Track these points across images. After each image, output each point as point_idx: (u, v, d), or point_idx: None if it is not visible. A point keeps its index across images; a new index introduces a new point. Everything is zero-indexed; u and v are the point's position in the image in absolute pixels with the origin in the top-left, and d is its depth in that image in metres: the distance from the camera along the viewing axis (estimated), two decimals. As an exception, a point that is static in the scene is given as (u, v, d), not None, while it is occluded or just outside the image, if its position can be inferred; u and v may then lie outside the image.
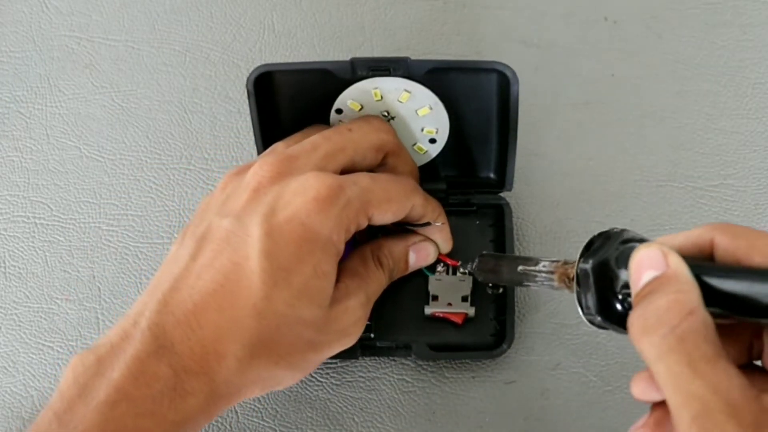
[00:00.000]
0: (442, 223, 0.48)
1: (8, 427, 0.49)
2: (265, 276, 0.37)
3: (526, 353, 0.49)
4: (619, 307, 0.34)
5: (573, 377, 0.49)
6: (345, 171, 0.43)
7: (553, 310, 0.50)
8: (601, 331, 0.49)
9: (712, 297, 0.31)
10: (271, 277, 0.38)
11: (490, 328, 0.49)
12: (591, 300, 0.35)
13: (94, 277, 0.53)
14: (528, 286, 0.42)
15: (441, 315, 0.48)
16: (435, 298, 0.49)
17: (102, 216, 0.54)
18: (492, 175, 0.51)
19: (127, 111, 0.57)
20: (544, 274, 0.40)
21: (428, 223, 0.47)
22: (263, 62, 0.46)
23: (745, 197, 0.53)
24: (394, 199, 0.43)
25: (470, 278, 0.49)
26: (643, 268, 0.32)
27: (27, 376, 0.50)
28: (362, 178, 0.42)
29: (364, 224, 0.42)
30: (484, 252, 0.47)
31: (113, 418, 0.35)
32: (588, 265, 0.35)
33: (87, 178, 0.55)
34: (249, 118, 0.48)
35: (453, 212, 0.51)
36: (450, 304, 0.48)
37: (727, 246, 0.32)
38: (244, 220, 0.39)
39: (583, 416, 0.48)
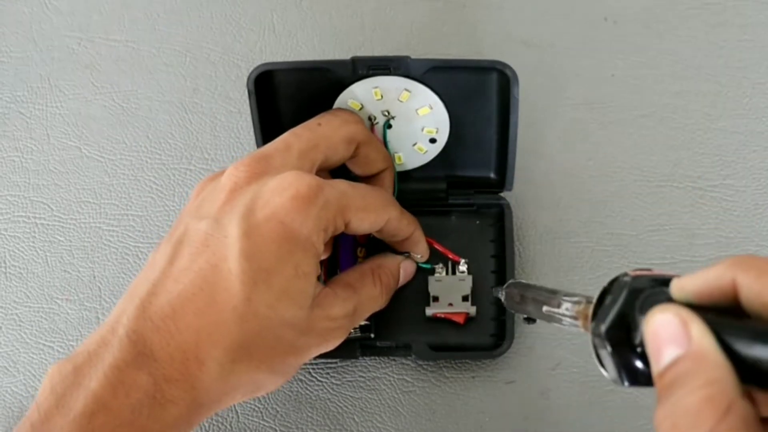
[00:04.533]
0: (421, 255, 0.49)
1: (8, 427, 0.49)
2: (244, 277, 0.36)
3: (526, 353, 0.49)
4: (641, 366, 0.30)
5: (573, 377, 0.49)
6: (320, 167, 0.43)
7: (554, 310, 0.50)
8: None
9: (747, 370, 0.26)
10: (251, 279, 0.36)
11: (491, 328, 0.49)
12: (613, 364, 0.30)
13: (94, 277, 0.53)
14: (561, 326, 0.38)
15: (442, 316, 0.48)
16: (436, 299, 0.49)
17: (102, 216, 0.54)
18: (492, 175, 0.51)
19: (128, 111, 0.57)
20: (568, 319, 0.36)
21: (408, 254, 0.49)
22: (263, 62, 0.46)
23: (745, 197, 0.53)
24: (371, 208, 0.43)
25: (470, 278, 0.49)
26: (662, 342, 0.28)
27: (27, 376, 0.50)
28: (341, 184, 0.42)
29: (341, 228, 0.41)
30: (512, 281, 0.44)
31: (91, 430, 0.34)
32: (601, 329, 0.30)
33: (87, 178, 0.55)
34: (249, 119, 0.48)
35: (453, 212, 0.51)
36: (451, 305, 0.48)
37: (751, 287, 0.27)
38: (222, 221, 0.38)
39: (583, 416, 0.48)
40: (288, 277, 0.37)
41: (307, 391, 0.49)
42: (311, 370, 0.50)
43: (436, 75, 0.46)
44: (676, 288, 0.29)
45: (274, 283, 0.37)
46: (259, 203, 0.38)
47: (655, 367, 0.28)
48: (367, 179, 0.48)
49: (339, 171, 0.47)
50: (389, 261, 0.48)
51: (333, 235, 0.42)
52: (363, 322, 0.47)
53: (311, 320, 0.39)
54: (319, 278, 0.41)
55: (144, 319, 0.36)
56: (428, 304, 0.49)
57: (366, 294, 0.45)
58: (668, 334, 0.27)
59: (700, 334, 0.27)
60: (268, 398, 0.49)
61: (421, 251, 0.49)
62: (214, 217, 0.38)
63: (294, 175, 0.39)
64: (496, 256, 0.50)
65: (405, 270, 0.48)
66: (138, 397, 0.35)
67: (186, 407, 0.36)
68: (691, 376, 0.26)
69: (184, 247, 0.38)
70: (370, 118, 0.48)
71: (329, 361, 0.50)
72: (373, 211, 0.43)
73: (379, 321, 0.48)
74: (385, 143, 0.48)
